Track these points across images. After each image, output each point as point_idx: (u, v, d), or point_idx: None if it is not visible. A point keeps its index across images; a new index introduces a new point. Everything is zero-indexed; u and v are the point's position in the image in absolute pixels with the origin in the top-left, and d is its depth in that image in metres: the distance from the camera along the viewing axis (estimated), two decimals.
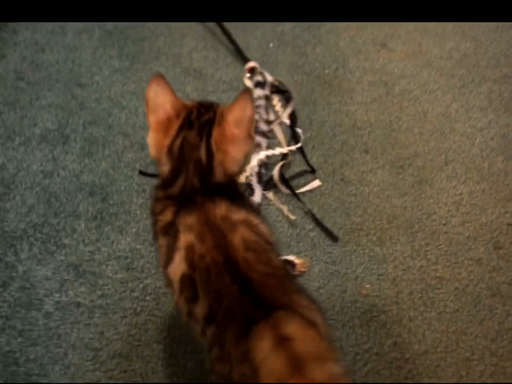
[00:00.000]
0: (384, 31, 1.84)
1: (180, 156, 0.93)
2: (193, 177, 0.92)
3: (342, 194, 1.43)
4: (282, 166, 1.45)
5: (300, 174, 1.47)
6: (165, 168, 0.94)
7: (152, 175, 1.43)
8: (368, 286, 1.27)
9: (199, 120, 0.94)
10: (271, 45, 1.79)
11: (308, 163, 1.47)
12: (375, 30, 1.84)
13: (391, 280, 1.28)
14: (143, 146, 1.52)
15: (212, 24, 1.84)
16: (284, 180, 1.43)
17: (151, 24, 1.83)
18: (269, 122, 1.55)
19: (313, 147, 1.53)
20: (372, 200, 1.42)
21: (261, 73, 1.62)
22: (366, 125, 1.58)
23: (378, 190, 1.44)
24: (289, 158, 1.48)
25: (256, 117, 1.50)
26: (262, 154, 1.44)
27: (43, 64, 1.69)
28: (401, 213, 1.39)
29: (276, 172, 1.43)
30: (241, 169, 0.98)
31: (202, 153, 0.93)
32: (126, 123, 1.56)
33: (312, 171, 1.47)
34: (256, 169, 1.42)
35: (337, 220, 1.38)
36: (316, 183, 1.44)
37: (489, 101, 1.64)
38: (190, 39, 1.81)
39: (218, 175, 0.93)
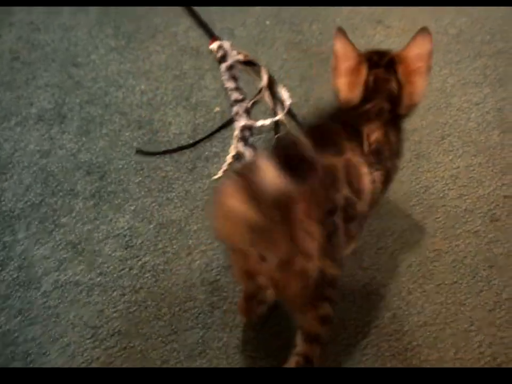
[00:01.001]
0: (380, 7, 1.79)
1: (374, 89, 1.05)
2: (384, 103, 1.05)
3: None
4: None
5: None
6: (355, 101, 1.05)
7: (150, 153, 1.40)
8: None
9: (382, 61, 1.07)
10: (267, 22, 1.74)
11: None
12: (371, 6, 1.79)
13: (389, 253, 1.25)
14: (141, 124, 1.48)
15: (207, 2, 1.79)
16: None
17: None
18: (239, 90, 1.52)
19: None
20: None
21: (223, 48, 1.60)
22: None
23: None
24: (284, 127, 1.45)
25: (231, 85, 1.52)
26: (242, 122, 1.43)
27: (39, 43, 1.65)
28: (399, 187, 1.35)
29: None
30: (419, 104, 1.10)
31: (393, 85, 1.06)
32: (123, 102, 1.52)
33: None
34: (239, 135, 1.41)
35: None
36: None
37: (484, 76, 1.60)
38: (186, 18, 1.76)
39: (404, 106, 1.07)
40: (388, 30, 1.72)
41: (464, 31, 1.72)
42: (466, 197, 1.34)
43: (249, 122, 1.46)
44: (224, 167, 1.39)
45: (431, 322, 1.14)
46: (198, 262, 1.22)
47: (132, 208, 1.31)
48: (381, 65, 1.07)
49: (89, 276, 1.19)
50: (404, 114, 1.09)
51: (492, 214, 1.31)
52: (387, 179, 1.06)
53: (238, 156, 1.40)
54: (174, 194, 1.34)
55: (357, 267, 1.21)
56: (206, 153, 1.43)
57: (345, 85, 1.08)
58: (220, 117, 1.50)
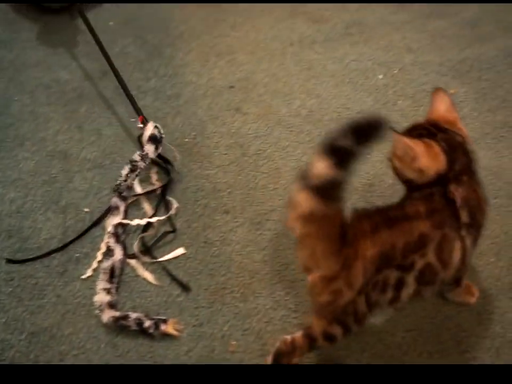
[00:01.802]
0: (237, 96, 1.89)
1: (451, 150, 1.12)
2: (462, 157, 1.13)
3: (206, 256, 1.45)
4: (142, 238, 1.46)
5: (163, 236, 1.48)
6: (440, 168, 1.11)
7: (20, 261, 1.40)
8: (234, 342, 1.28)
9: (432, 130, 1.15)
10: (132, 120, 1.80)
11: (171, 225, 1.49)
12: (230, 96, 1.90)
13: (255, 333, 1.30)
14: (11, 234, 1.48)
15: (75, 106, 1.84)
16: (146, 248, 1.44)
17: None
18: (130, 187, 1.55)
19: (176, 214, 1.54)
20: (234, 258, 1.44)
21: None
22: (225, 187, 1.61)
23: (239, 248, 1.46)
24: (152, 230, 1.49)
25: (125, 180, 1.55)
26: (117, 220, 1.46)
27: None
28: (262, 267, 1.42)
29: (135, 245, 1.43)
30: None
31: (460, 138, 1.15)
32: None
33: (173, 231, 1.48)
34: (112, 231, 1.43)
35: (202, 282, 1.39)
36: (180, 251, 1.45)
37: None
38: (54, 123, 1.80)
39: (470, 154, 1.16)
40: (245, 116, 1.83)
41: (314, 111, 1.85)
42: None
43: (125, 220, 1.48)
44: (94, 264, 1.41)
45: None
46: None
47: (3, 320, 1.30)
48: (435, 132, 1.14)
49: None
50: None
51: None
52: (477, 237, 1.16)
53: (108, 252, 1.42)
54: (45, 300, 1.35)
55: (224, 351, 1.25)
56: (77, 255, 1.45)
57: (428, 161, 1.11)
58: (89, 217, 1.53)
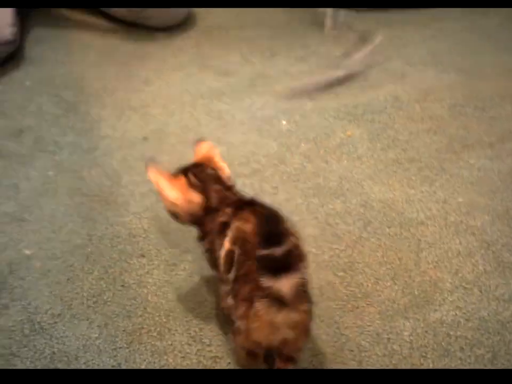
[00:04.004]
0: (151, 147, 1.95)
1: (200, 180, 1.32)
2: (216, 185, 1.33)
3: (123, 299, 1.47)
4: None
5: None
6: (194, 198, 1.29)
7: None
8: None
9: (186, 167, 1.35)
10: (50, 173, 1.82)
11: None
12: (144, 147, 1.95)
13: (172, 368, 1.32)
14: None
15: None
16: None
17: None
18: None
19: (94, 260, 1.56)
20: (150, 299, 1.47)
21: None
22: (141, 232, 1.64)
23: (155, 289, 1.49)
24: None
25: None
26: None
27: None
28: (176, 305, 1.46)
29: None
30: None
31: (210, 170, 1.35)
32: None
33: None
34: None
35: (120, 324, 1.41)
36: None
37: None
38: None
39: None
40: (159, 165, 1.87)
41: (224, 157, 1.91)
42: None
43: None
44: None
45: None
46: None
47: None
48: (188, 168, 1.34)
49: None
50: None
51: None
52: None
53: None
54: None
55: None
56: None
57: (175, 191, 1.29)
58: (8, 270, 1.52)
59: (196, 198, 1.28)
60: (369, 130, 2.03)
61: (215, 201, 1.29)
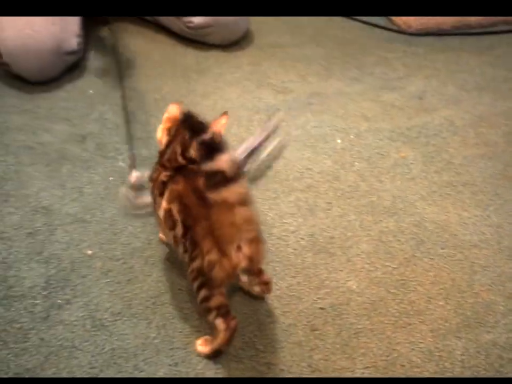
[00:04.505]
0: None
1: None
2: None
3: (180, 302, 1.52)
4: None
5: None
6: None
7: None
8: None
9: None
10: (111, 178, 1.89)
11: None
12: None
13: (226, 371, 1.36)
14: None
15: (57, 166, 1.93)
16: None
17: None
18: None
19: (153, 263, 1.62)
20: None
21: None
22: None
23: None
24: None
25: None
26: None
27: None
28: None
29: None
30: None
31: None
32: None
33: None
34: None
35: (178, 325, 1.47)
36: None
37: (298, 207, 1.83)
38: (37, 181, 1.88)
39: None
40: None
41: (280, 171, 1.98)
42: (289, 313, 1.51)
43: None
44: None
45: None
46: None
47: None
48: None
49: None
50: None
51: (311, 325, 1.49)
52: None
53: None
54: (29, 343, 1.40)
55: None
56: (59, 301, 1.51)
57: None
58: (71, 267, 1.60)
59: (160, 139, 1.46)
60: (423, 153, 2.06)
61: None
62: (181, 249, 1.36)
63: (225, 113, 1.45)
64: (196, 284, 1.34)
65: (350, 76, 2.51)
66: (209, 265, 1.28)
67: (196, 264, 1.30)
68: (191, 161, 1.35)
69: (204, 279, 1.30)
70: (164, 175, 1.42)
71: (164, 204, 1.39)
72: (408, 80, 2.48)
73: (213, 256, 1.27)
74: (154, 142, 1.94)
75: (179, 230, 1.34)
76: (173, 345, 1.42)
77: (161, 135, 1.48)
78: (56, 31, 2.24)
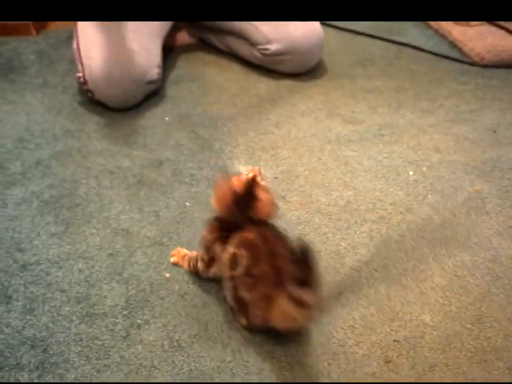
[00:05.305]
0: (281, 186, 2.06)
1: None
2: None
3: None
4: None
5: None
6: None
7: None
8: None
9: None
10: (187, 203, 1.96)
11: None
12: (274, 186, 2.06)
13: None
14: (79, 300, 1.62)
15: (135, 190, 2.02)
16: None
17: (83, 193, 1.99)
18: None
19: None
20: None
21: None
22: None
23: None
24: None
25: None
26: None
27: None
28: (307, 338, 1.53)
29: None
30: None
31: None
32: (63, 280, 1.67)
33: None
34: None
35: (252, 351, 1.50)
36: None
37: (370, 238, 1.85)
38: (117, 204, 1.97)
39: None
40: (288, 204, 1.99)
41: (351, 202, 2.00)
42: (362, 343, 1.53)
43: None
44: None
45: None
46: None
47: (73, 376, 1.42)
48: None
49: None
50: None
51: (384, 356, 1.50)
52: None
53: None
54: (110, 360, 1.47)
55: None
56: (138, 321, 1.57)
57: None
58: (150, 288, 1.66)
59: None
60: (498, 187, 2.05)
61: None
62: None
63: (253, 168, 1.52)
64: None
65: (421, 107, 2.52)
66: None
67: None
68: None
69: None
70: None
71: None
72: (481, 112, 2.47)
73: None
74: (229, 170, 2.02)
75: None
76: (248, 370, 1.46)
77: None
78: (142, 62, 2.35)
